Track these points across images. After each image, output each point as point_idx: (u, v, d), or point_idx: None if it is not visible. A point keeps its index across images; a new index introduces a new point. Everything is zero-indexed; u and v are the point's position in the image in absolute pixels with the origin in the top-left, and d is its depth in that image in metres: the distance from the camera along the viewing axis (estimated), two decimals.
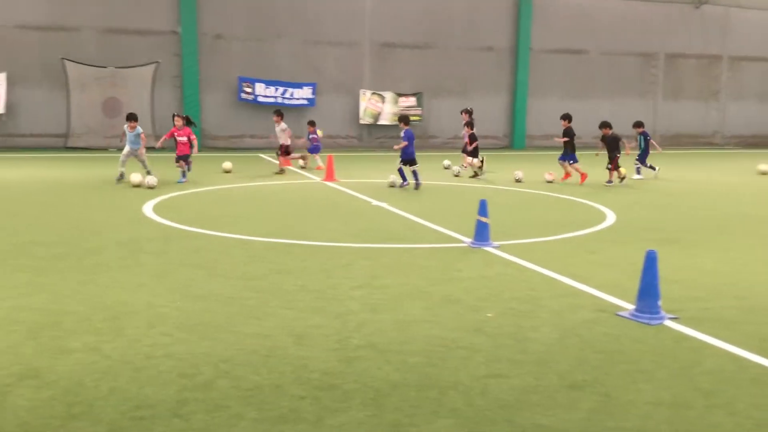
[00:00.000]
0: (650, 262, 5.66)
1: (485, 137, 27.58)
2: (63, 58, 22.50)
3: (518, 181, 15.76)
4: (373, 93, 25.94)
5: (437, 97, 26.86)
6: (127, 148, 14.49)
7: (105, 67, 22.99)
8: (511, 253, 8.04)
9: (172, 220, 10.00)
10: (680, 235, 9.45)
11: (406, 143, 14.13)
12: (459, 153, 17.48)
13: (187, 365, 4.58)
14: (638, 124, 17.57)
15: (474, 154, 16.81)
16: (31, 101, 22.52)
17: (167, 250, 8.02)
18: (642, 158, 17.21)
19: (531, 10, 27.21)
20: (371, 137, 26.54)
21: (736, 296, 6.44)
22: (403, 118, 15.05)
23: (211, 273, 7.01)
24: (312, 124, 19.17)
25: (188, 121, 15.25)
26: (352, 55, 25.80)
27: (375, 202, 12.12)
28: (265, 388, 4.25)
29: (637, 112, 29.34)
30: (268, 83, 24.54)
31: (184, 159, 15.01)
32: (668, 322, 5.59)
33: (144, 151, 14.80)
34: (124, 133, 14.64)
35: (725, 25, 30.03)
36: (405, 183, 14.39)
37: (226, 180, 15.38)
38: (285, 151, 17.38)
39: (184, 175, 15.05)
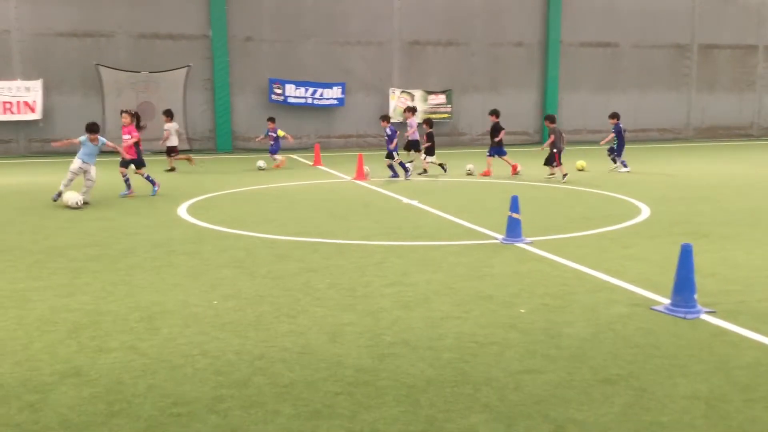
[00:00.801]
0: (686, 255, 5.59)
1: (516, 133, 27.44)
2: (97, 64, 22.89)
3: (469, 174, 16.50)
4: (403, 91, 25.94)
5: (466, 94, 26.77)
6: (78, 163, 11.88)
7: (138, 72, 23.34)
8: (543, 249, 8.00)
9: (204, 221, 10.14)
10: (714, 228, 9.31)
11: (395, 142, 15.88)
12: (485, 150, 17.39)
13: (222, 363, 4.65)
14: (613, 116, 17.85)
15: (430, 152, 16.94)
16: (66, 107, 22.95)
17: (200, 251, 8.13)
18: (619, 150, 17.31)
19: (560, 3, 26.95)
20: (401, 136, 26.53)
21: None
22: (385, 117, 16.64)
23: (243, 272, 7.09)
24: (272, 120, 19.07)
25: (136, 119, 13.26)
26: (381, 54, 25.82)
27: (405, 200, 12.14)
28: (300, 384, 4.30)
29: (669, 104, 28.93)
30: (298, 84, 24.68)
31: (130, 164, 13.04)
32: (704, 316, 5.52)
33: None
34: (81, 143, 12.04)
35: (761, 13, 29.41)
36: (396, 176, 15.78)
37: (256, 180, 15.52)
38: (171, 150, 18.01)
39: (128, 186, 12.99)
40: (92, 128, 12.16)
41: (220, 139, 24.29)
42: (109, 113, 23.24)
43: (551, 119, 16.18)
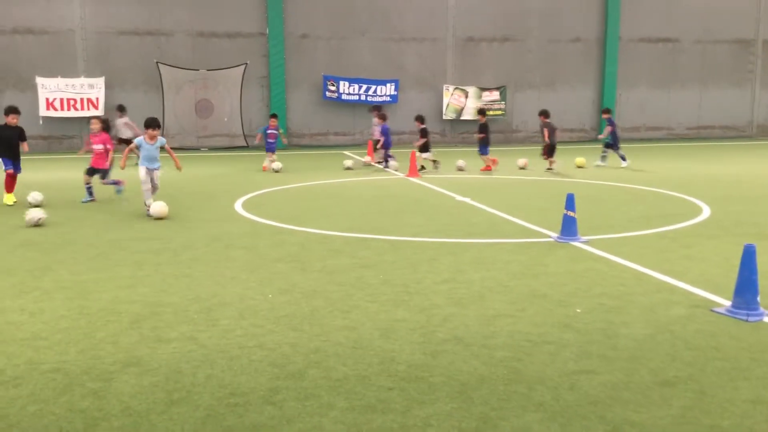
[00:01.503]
0: (748, 256, 5.43)
1: (571, 130, 27.04)
2: (158, 62, 23.46)
3: (460, 169, 16.99)
4: (456, 88, 25.82)
5: (521, 91, 26.49)
6: (143, 172, 10.45)
7: (197, 70, 23.84)
8: (600, 248, 7.87)
9: (260, 216, 10.29)
10: None
11: (382, 137, 17.61)
12: (539, 147, 17.19)
13: (277, 355, 4.72)
14: (605, 111, 18.23)
15: (424, 149, 17.33)
16: (128, 104, 23.48)
17: (256, 245, 8.26)
18: (615, 144, 17.50)
19: None
20: (454, 132, 26.45)
21: None
22: (376, 109, 18.75)
23: (297, 267, 7.18)
24: (274, 117, 17.90)
25: (106, 126, 12.44)
26: (435, 51, 25.76)
27: (459, 198, 12.09)
28: (353, 378, 4.34)
29: (732, 101, 28.08)
30: (352, 81, 24.82)
31: (97, 173, 12.06)
32: (767, 319, 5.35)
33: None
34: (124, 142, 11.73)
35: None
36: (384, 165, 17.70)
37: (309, 177, 15.68)
38: (123, 142, 18.04)
39: (90, 192, 12.08)
40: (152, 123, 10.48)
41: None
42: (168, 110, 23.80)
43: (545, 114, 16.70)
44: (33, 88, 22.71)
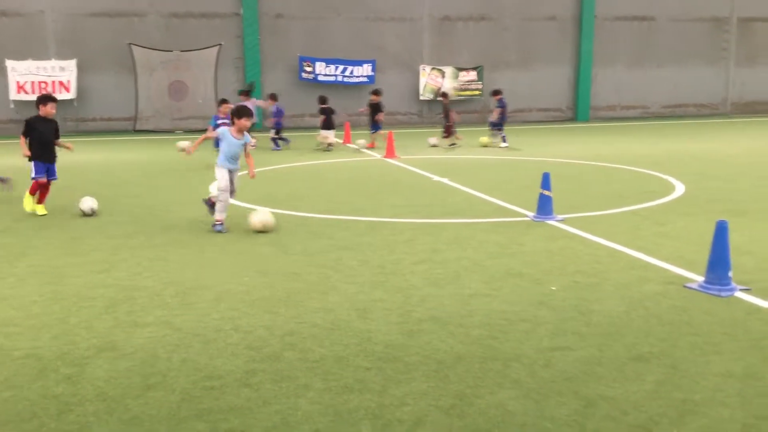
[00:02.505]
0: (720, 232, 5.50)
1: (549, 110, 27.11)
2: (130, 44, 23.09)
3: (433, 146, 17.52)
4: (433, 68, 25.74)
5: (498, 71, 26.47)
6: (224, 175, 8.21)
7: (170, 51, 23.50)
8: (575, 227, 7.92)
9: (236, 199, 10.22)
10: (751, 206, 9.12)
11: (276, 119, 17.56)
12: (523, 126, 17.25)
13: (254, 338, 4.71)
14: (496, 92, 18.58)
15: (327, 127, 17.71)
16: (100, 86, 23.24)
17: (232, 228, 8.21)
18: (499, 125, 17.88)
19: None
20: (431, 113, 26.39)
21: None
22: (272, 96, 18.46)
23: (275, 249, 7.15)
24: (224, 102, 14.78)
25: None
26: (411, 30, 25.61)
27: (436, 178, 12.10)
28: (330, 359, 4.34)
29: (706, 80, 28.28)
30: (328, 62, 24.63)
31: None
32: (739, 294, 5.43)
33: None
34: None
35: None
36: (278, 148, 17.60)
37: (287, 159, 15.58)
38: None
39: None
40: (245, 112, 8.17)
41: None
42: (141, 92, 23.48)
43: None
44: (3, 71, 22.29)
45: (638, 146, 17.14)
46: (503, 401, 3.75)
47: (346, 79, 24.80)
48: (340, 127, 20.20)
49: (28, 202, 9.32)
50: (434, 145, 17.77)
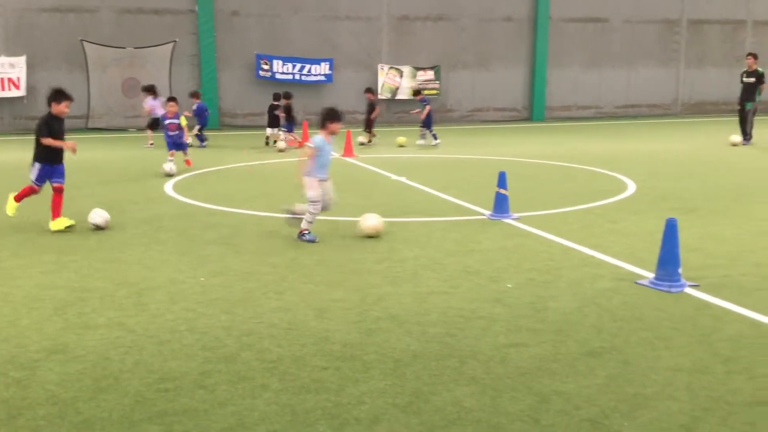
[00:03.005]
0: (670, 230, 5.64)
1: (505, 110, 27.39)
2: (82, 40, 22.59)
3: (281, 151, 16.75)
4: (391, 67, 25.78)
5: (455, 70, 26.64)
6: (315, 186, 7.48)
7: (123, 48, 23.06)
8: (530, 225, 8.03)
9: (191, 198, 10.10)
10: (700, 203, 9.37)
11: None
12: (480, 126, 17.39)
13: (210, 338, 4.66)
14: (417, 92, 19.03)
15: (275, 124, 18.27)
16: (51, 83, 22.62)
17: (187, 228, 8.11)
18: (428, 124, 18.00)
19: None
20: (389, 112, 26.41)
21: (755, 263, 6.39)
22: (195, 94, 19.13)
23: (231, 249, 7.09)
24: (172, 101, 13.53)
25: None
26: (370, 29, 25.61)
27: (394, 177, 12.13)
28: (287, 359, 4.32)
29: (658, 80, 28.89)
30: (286, 60, 24.47)
31: None
32: (688, 290, 5.58)
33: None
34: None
35: None
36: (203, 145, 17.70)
37: (244, 158, 15.45)
38: None
39: None
40: (336, 116, 7.51)
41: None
42: (93, 89, 23.01)
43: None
44: None
45: (592, 146, 17.44)
46: (459, 398, 3.79)
47: (303, 78, 24.68)
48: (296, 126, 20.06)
49: (12, 207, 8.33)
50: (362, 143, 17.92)
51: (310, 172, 7.38)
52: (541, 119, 27.37)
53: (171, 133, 13.08)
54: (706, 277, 5.91)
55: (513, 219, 8.34)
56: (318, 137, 7.41)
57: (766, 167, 13.11)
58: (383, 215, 8.71)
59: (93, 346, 4.53)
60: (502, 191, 8.41)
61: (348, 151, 15.61)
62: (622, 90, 28.54)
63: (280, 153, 16.48)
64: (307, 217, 7.42)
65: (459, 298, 5.49)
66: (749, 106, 17.05)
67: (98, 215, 8.15)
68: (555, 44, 27.26)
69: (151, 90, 18.19)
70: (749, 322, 4.91)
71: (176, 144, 13.16)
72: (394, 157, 15.48)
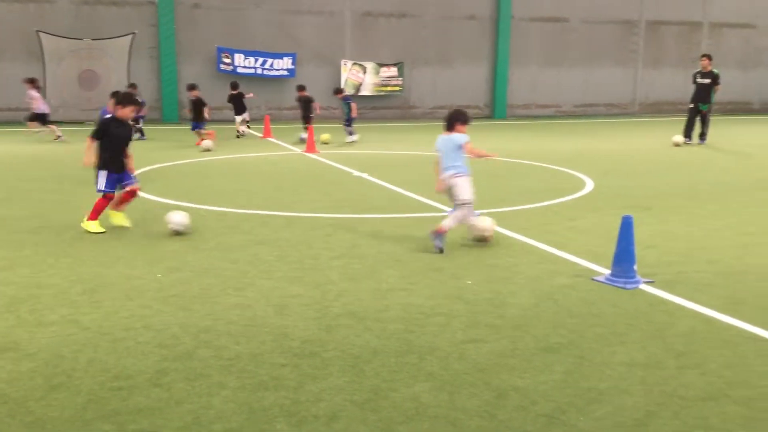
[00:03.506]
0: (626, 227, 5.73)
1: (467, 107, 27.54)
2: (38, 31, 22.05)
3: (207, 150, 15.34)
4: (354, 63, 25.73)
5: (418, 67, 26.70)
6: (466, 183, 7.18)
7: (81, 39, 22.58)
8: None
9: (150, 193, 9.94)
10: (656, 201, 9.55)
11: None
12: (442, 123, 17.46)
13: (166, 336, 4.59)
14: (338, 91, 19.02)
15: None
16: (5, 75, 22.10)
17: (144, 223, 7.98)
18: (348, 122, 18.09)
19: None
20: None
21: (708, 260, 6.54)
22: (132, 86, 17.97)
23: (190, 245, 6.99)
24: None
25: None
26: (332, 25, 25.50)
27: (356, 173, 12.11)
28: (246, 357, 4.28)
29: (616, 80, 29.36)
30: (248, 53, 24.23)
31: None
32: (643, 286, 5.68)
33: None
34: None
35: None
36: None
37: (204, 153, 15.25)
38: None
39: None
40: (463, 118, 7.37)
41: (167, 109, 23.77)
42: (49, 81, 22.50)
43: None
44: None
45: (551, 144, 17.64)
46: (417, 394, 3.80)
47: (266, 72, 24.47)
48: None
49: (94, 226, 7.53)
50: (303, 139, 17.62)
51: (465, 171, 7.14)
52: (503, 117, 27.61)
53: None
54: (660, 274, 6.02)
55: (474, 216, 8.37)
56: (462, 136, 7.18)
57: (720, 166, 13.43)
58: (344, 212, 8.71)
59: (45, 344, 4.43)
60: None
61: (310, 148, 15.53)
62: (580, 89, 28.94)
63: (207, 152, 15.10)
64: (458, 216, 6.98)
65: (419, 294, 5.50)
66: (705, 107, 17.38)
67: (178, 221, 7.35)
68: (516, 43, 27.50)
69: (32, 82, 17.80)
70: (702, 318, 5.02)
71: None
72: (356, 153, 15.45)
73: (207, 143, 15.72)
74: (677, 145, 17.02)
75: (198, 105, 16.97)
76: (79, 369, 4.07)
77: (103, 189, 7.60)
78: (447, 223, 6.85)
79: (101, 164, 7.62)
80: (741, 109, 31.16)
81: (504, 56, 27.38)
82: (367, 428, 3.44)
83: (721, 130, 20.94)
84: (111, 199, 7.70)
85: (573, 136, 20.17)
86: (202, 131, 16.64)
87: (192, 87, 17.51)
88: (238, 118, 19.36)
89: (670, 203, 9.43)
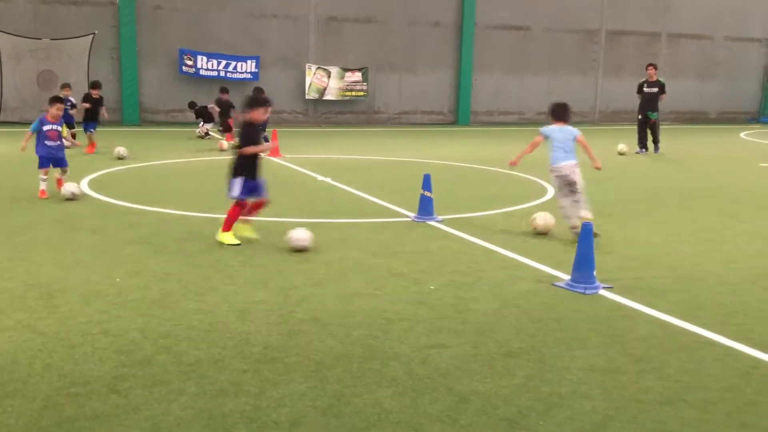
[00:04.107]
0: (586, 233, 5.81)
1: (432, 113, 27.69)
2: None
3: (121, 158, 13.94)
4: (319, 68, 25.68)
5: (383, 72, 26.77)
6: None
7: (40, 39, 22.14)
8: (454, 227, 8.13)
9: (108, 196, 9.77)
10: (616, 208, 9.71)
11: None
12: (406, 128, 17.53)
13: (124, 341, 4.51)
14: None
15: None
16: None
17: (103, 227, 7.84)
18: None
19: None
20: (317, 112, 26.33)
21: (667, 266, 6.67)
22: (66, 86, 16.64)
23: (150, 249, 6.89)
24: (56, 101, 9.97)
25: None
26: (297, 29, 25.43)
27: (320, 178, 12.08)
28: (206, 362, 4.23)
29: (577, 88, 29.81)
30: (210, 56, 24.01)
31: None
32: (603, 292, 5.76)
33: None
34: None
35: (665, 1, 30.59)
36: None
37: (166, 155, 15.07)
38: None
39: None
40: (564, 111, 8.52)
41: (127, 111, 23.41)
42: (7, 81, 22.03)
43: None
44: None
45: (514, 151, 17.74)
46: (380, 399, 3.79)
47: (229, 75, 24.27)
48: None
49: (228, 238, 7.19)
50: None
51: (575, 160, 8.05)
52: (467, 123, 27.81)
53: (50, 144, 9.68)
54: (619, 279, 6.12)
55: (437, 221, 8.43)
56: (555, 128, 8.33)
57: (677, 173, 13.71)
58: (307, 216, 8.67)
59: (0, 350, 4.32)
60: (427, 194, 8.49)
61: (275, 152, 15.44)
62: (543, 97, 29.28)
63: (120, 160, 13.89)
64: (583, 201, 7.88)
65: (383, 299, 5.50)
66: (654, 116, 17.71)
67: (300, 238, 6.97)
68: (480, 50, 27.75)
69: None
70: (659, 323, 5.11)
71: (54, 159, 9.78)
72: (320, 158, 15.41)
73: (119, 150, 14.16)
74: (622, 153, 17.27)
75: (98, 104, 15.95)
76: (34, 375, 3.98)
77: (237, 195, 7.18)
78: (586, 213, 7.57)
79: (237, 170, 7.24)
80: (698, 118, 31.88)
81: (468, 63, 27.61)
82: None
83: (678, 138, 21.42)
84: (244, 207, 7.28)
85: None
86: (93, 133, 15.51)
87: (95, 85, 16.47)
88: (209, 125, 19.67)
89: (630, 209, 9.60)
